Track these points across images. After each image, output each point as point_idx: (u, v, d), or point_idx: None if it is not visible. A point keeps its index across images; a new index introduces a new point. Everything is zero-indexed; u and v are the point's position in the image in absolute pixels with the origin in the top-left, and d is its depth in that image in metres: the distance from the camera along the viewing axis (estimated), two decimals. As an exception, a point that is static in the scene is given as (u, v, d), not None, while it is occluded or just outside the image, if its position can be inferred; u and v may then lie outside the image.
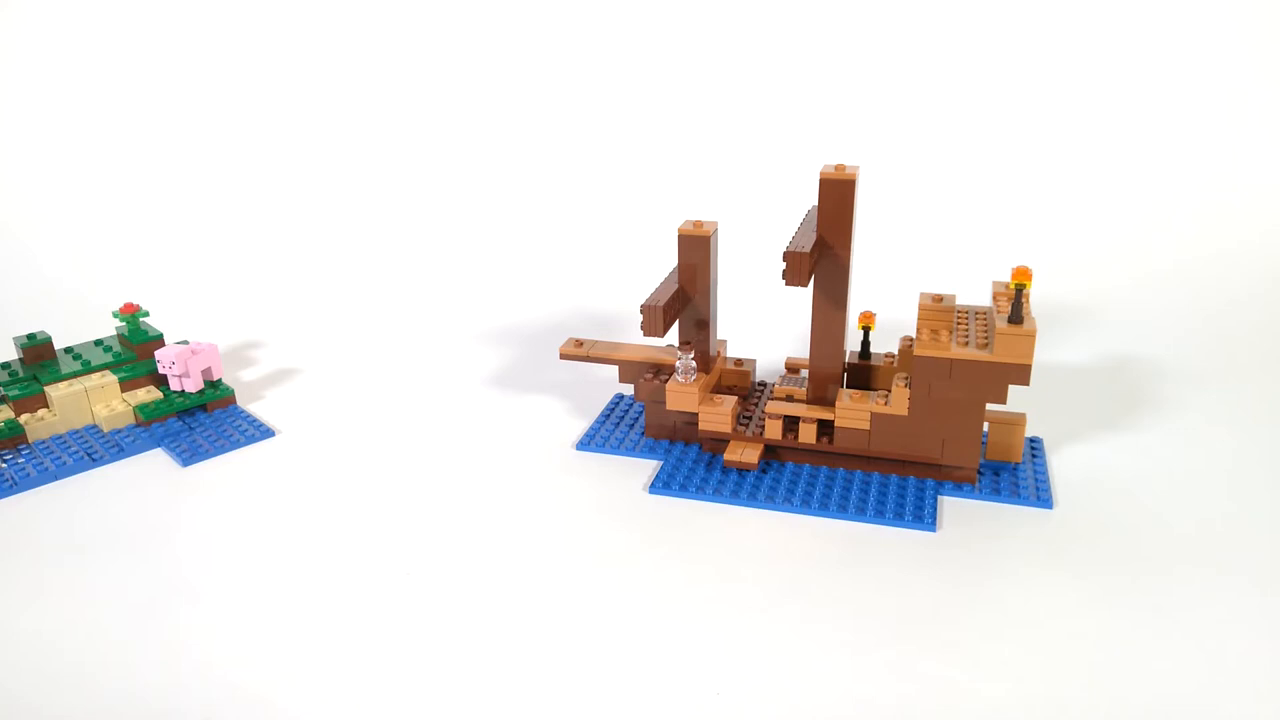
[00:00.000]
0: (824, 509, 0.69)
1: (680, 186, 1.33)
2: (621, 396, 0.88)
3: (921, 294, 0.73)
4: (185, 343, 0.89)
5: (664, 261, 1.13)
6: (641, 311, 0.72)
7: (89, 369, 0.86)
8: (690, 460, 0.77)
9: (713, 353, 0.79)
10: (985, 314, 0.73)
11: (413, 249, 1.29)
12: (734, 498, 0.72)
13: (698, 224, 0.75)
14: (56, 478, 0.77)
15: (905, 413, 0.70)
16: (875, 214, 1.18)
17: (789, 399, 0.76)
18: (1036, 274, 1.14)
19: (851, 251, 0.70)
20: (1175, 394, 0.87)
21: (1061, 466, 0.75)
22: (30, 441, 0.82)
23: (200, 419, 0.86)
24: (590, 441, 0.80)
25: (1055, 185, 1.28)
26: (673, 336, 0.79)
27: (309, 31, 1.41)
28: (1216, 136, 1.27)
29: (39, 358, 0.86)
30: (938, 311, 0.72)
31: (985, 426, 0.75)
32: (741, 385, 0.82)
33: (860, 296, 1.07)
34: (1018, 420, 0.73)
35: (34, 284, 1.21)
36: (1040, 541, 0.66)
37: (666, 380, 0.78)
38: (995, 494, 0.71)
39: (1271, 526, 0.67)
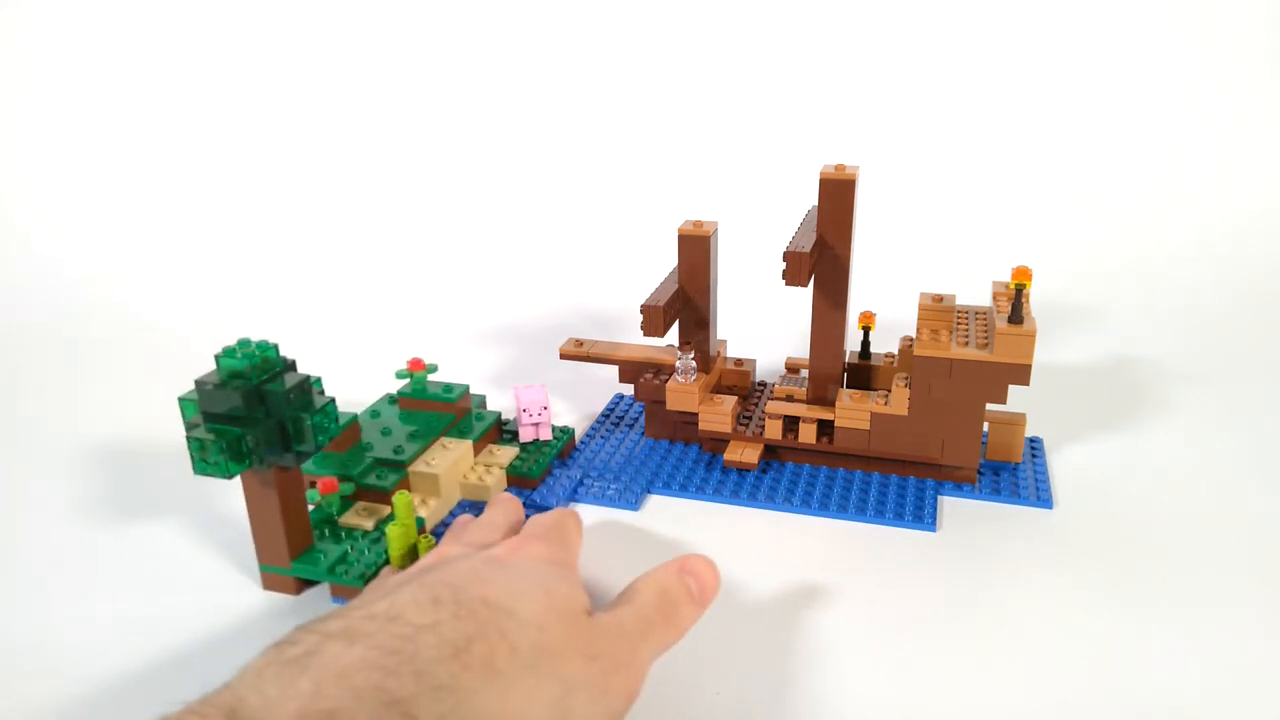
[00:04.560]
0: (824, 509, 0.69)
1: (680, 186, 1.33)
2: (621, 396, 0.88)
3: (921, 294, 0.73)
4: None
5: (664, 261, 1.12)
6: (642, 311, 0.72)
7: (428, 440, 0.72)
8: (690, 460, 0.77)
9: (713, 353, 0.79)
10: (985, 314, 0.73)
11: (413, 249, 1.29)
12: (734, 498, 0.71)
13: (698, 224, 0.75)
14: None
15: (905, 413, 0.70)
16: (875, 214, 1.18)
17: (789, 399, 0.76)
18: (1037, 274, 1.14)
19: (851, 251, 0.70)
20: (1175, 394, 0.87)
21: (1061, 466, 0.75)
22: (428, 532, 0.67)
23: (567, 465, 0.76)
24: (590, 442, 0.80)
25: (1055, 186, 1.28)
26: (673, 336, 0.79)
27: (315, 36, 1.41)
28: (1216, 138, 1.27)
29: (350, 440, 0.72)
30: (938, 311, 0.72)
31: (985, 426, 0.75)
32: (741, 385, 0.82)
33: (860, 296, 1.07)
34: (1018, 420, 0.73)
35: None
36: (1040, 541, 0.66)
37: (666, 380, 0.78)
38: (995, 494, 0.71)
39: (1271, 526, 0.67)
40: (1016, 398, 0.82)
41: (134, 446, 0.83)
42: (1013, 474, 0.73)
